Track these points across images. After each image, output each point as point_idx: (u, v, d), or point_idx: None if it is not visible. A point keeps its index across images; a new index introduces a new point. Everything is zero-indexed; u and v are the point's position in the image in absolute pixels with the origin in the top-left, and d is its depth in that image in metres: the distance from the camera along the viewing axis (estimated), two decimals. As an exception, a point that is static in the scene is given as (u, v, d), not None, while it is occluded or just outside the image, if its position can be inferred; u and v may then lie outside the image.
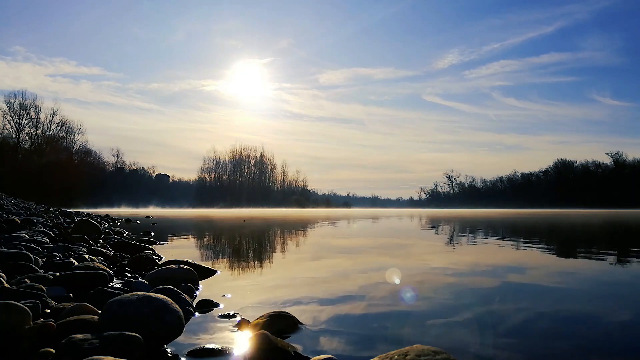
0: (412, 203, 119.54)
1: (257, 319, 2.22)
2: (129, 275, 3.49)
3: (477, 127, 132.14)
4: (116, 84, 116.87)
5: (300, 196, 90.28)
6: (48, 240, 5.28)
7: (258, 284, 3.57)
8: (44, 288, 2.43)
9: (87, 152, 63.01)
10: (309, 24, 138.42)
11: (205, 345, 1.86)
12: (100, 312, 1.90)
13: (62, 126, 55.95)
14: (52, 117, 54.65)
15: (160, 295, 1.98)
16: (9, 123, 51.48)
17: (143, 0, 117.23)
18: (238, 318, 2.34)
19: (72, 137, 57.73)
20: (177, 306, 1.99)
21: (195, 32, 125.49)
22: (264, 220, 19.41)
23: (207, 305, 2.64)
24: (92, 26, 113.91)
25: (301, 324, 2.24)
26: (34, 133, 53.32)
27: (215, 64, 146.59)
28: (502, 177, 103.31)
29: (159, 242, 7.07)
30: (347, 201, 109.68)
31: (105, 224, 12.48)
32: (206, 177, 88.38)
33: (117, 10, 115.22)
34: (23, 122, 52.31)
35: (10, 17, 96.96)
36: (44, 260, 3.60)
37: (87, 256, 3.95)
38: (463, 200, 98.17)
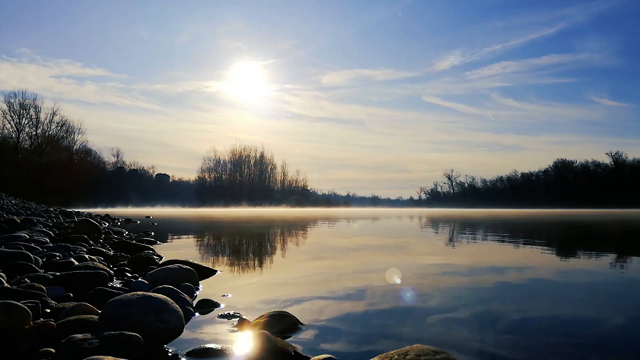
0: (412, 203, 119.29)
1: (257, 318, 2.22)
2: (129, 275, 3.49)
3: (476, 128, 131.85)
4: (120, 85, 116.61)
5: (300, 196, 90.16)
6: (48, 240, 5.28)
7: (258, 283, 3.57)
8: (44, 288, 2.43)
9: (87, 152, 62.90)
10: (311, 26, 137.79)
11: (206, 345, 1.86)
12: (100, 312, 1.90)
13: (62, 126, 55.89)
14: (52, 116, 54.57)
15: (160, 295, 1.98)
16: (9, 123, 51.43)
17: (148, 2, 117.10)
18: (238, 318, 2.34)
19: (72, 137, 57.65)
20: (177, 306, 1.99)
21: (199, 34, 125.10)
22: (264, 220, 19.40)
23: (207, 305, 2.64)
24: (97, 28, 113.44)
25: (301, 324, 2.25)
26: (34, 133, 53.28)
27: (217, 65, 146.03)
28: (502, 177, 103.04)
29: (159, 242, 7.07)
30: (347, 201, 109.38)
31: (105, 224, 12.48)
32: (206, 177, 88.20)
33: (122, 11, 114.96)
34: (23, 121, 52.24)
35: (17, 20, 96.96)
36: (44, 260, 3.60)
37: (87, 256, 3.95)
38: (463, 200, 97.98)
